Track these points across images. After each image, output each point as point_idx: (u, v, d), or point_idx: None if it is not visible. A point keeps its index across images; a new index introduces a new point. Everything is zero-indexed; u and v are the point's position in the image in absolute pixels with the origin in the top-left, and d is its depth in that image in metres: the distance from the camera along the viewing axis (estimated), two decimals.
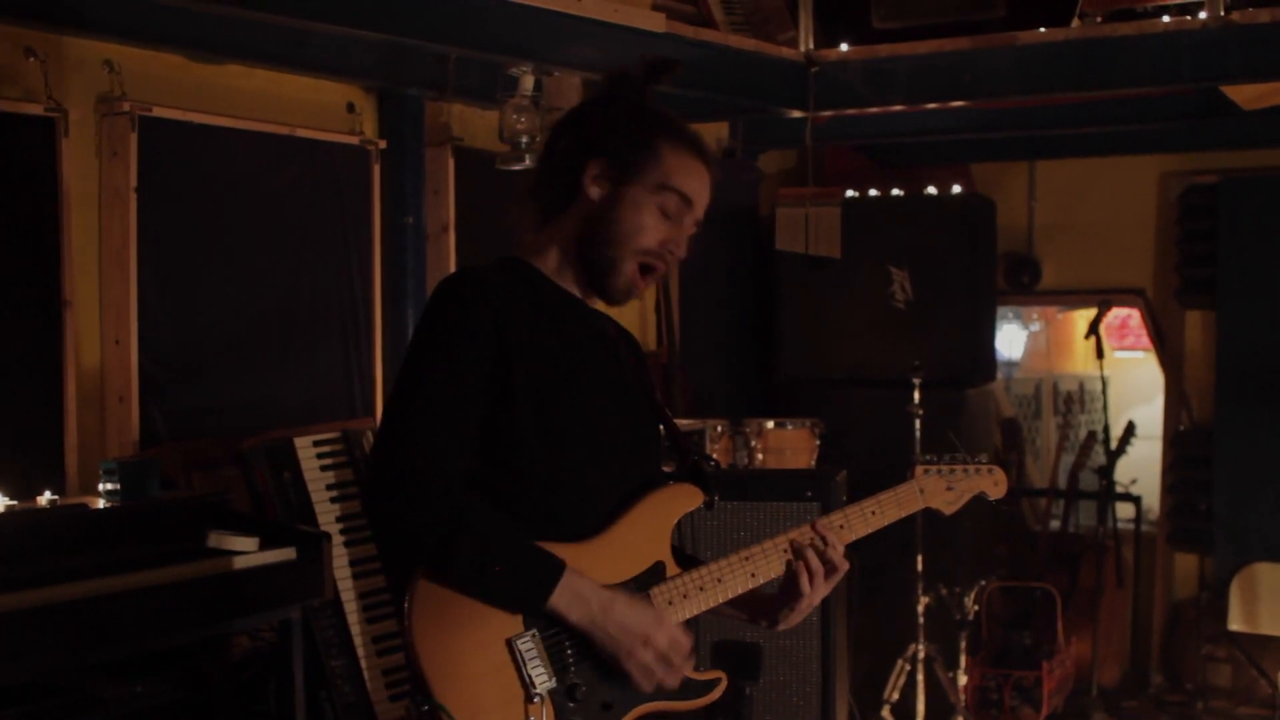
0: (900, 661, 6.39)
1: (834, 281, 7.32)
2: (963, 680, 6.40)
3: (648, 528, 2.76)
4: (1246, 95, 6.43)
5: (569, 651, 2.61)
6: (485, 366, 2.62)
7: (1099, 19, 6.04)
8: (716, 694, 2.77)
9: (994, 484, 3.21)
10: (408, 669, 2.56)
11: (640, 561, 2.74)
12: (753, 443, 5.82)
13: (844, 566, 2.86)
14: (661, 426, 2.94)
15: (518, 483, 2.65)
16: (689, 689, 2.73)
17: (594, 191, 2.78)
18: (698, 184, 2.82)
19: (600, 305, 2.89)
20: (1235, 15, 5.69)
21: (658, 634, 2.63)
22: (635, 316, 7.05)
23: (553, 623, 2.60)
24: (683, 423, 5.99)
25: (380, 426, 2.61)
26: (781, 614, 2.87)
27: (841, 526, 2.90)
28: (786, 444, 5.92)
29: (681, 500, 2.82)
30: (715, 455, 5.69)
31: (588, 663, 2.62)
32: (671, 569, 2.76)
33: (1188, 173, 8.25)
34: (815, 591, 2.83)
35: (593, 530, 2.70)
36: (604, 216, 2.77)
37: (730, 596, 2.79)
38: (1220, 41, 5.75)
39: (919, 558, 6.36)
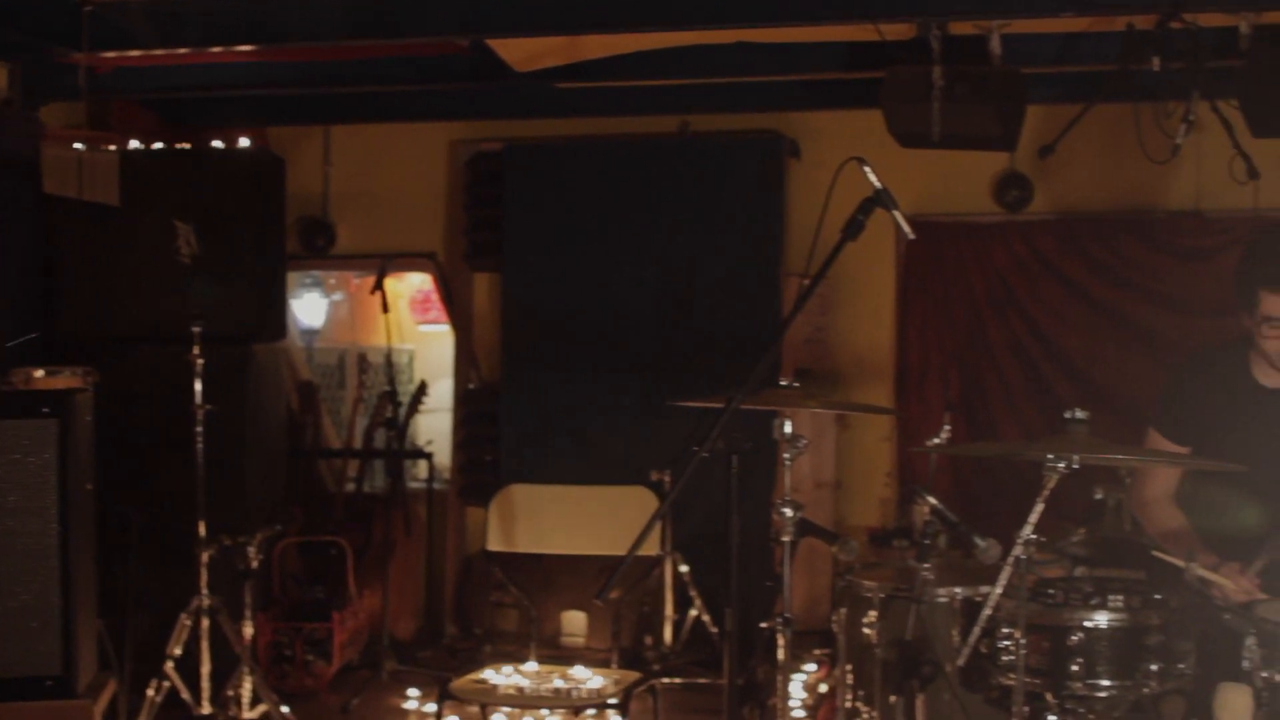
0: (183, 615, 6.25)
1: (117, 237, 7.07)
2: (249, 632, 6.32)
3: None
4: (516, 56, 6.70)
5: None
6: None
7: None
8: None
9: None
10: None
11: None
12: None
13: None
14: None
15: None
16: None
17: None
18: None
19: None
20: None
21: None
22: None
23: None
24: None
25: None
26: None
27: None
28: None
29: None
30: None
31: None
32: None
33: (475, 140, 8.58)
34: None
35: None
36: None
37: None
38: None
39: (201, 513, 6.24)
